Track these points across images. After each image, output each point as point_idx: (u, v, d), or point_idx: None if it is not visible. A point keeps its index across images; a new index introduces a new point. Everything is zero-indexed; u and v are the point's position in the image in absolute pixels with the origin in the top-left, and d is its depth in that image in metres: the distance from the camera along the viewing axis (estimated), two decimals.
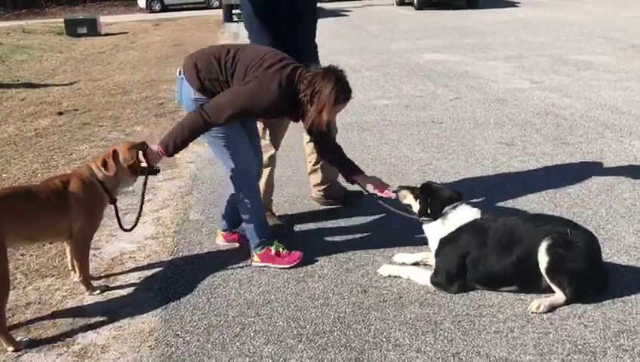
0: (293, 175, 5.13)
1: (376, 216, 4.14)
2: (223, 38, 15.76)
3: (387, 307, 3.12)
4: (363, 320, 3.01)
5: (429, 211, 3.40)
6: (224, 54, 3.39)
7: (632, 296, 3.08)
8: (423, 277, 3.30)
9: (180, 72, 3.51)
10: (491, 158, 5.35)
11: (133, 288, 3.47)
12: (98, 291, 3.40)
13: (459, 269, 3.19)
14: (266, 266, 3.58)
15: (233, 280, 3.46)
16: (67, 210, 3.14)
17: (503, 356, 2.68)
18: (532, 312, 2.98)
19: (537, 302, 3.00)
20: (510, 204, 4.29)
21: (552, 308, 2.99)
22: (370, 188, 3.64)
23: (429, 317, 3.01)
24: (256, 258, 3.62)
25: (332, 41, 13.10)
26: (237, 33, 16.48)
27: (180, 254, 3.83)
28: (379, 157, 5.46)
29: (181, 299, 3.29)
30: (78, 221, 3.19)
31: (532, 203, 4.31)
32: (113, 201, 3.37)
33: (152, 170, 3.38)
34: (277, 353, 2.79)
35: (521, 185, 4.69)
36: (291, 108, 3.36)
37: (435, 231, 3.35)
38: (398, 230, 3.95)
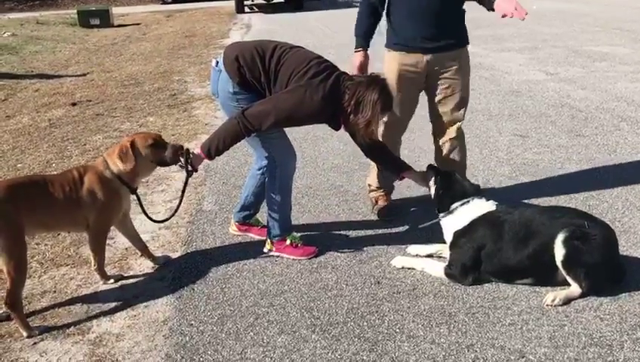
0: (305, 166, 5.11)
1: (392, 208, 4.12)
2: (235, 29, 15.73)
3: (401, 298, 3.11)
4: (377, 311, 3.00)
5: (441, 203, 3.39)
6: (269, 54, 3.35)
7: None
8: (437, 268, 3.29)
9: (217, 62, 3.47)
10: (505, 150, 5.31)
11: (147, 277, 3.48)
12: (112, 280, 3.42)
13: (473, 262, 3.17)
14: (279, 256, 3.58)
15: (247, 271, 3.46)
16: (80, 202, 3.15)
17: (517, 348, 2.67)
18: (547, 305, 2.96)
19: (553, 295, 2.98)
20: (525, 196, 4.26)
21: (567, 301, 2.97)
22: (421, 183, 3.64)
23: (443, 308, 3.00)
24: (270, 246, 3.63)
25: (344, 33, 13.02)
26: (249, 24, 16.45)
27: (194, 244, 3.84)
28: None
29: (195, 289, 3.29)
30: (92, 213, 3.20)
31: (547, 195, 4.27)
32: (134, 191, 3.37)
33: (191, 172, 3.40)
34: (290, 343, 2.79)
35: (535, 178, 4.66)
36: (333, 117, 3.37)
37: (450, 224, 3.35)
38: (412, 222, 3.94)
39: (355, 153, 5.30)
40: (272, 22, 17.16)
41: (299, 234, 3.68)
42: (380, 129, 3.79)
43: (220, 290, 3.27)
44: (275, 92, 3.33)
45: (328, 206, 4.31)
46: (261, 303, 3.13)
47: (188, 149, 3.41)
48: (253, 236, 3.87)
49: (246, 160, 5.28)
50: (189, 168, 3.37)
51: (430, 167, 3.64)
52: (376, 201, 4.18)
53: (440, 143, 3.99)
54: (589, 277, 2.95)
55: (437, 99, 3.89)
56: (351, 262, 3.50)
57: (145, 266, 3.60)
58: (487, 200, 3.36)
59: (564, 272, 2.99)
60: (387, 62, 3.96)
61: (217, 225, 4.09)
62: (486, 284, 3.18)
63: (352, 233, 3.87)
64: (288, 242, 3.61)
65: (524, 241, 3.09)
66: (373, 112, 3.21)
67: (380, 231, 3.85)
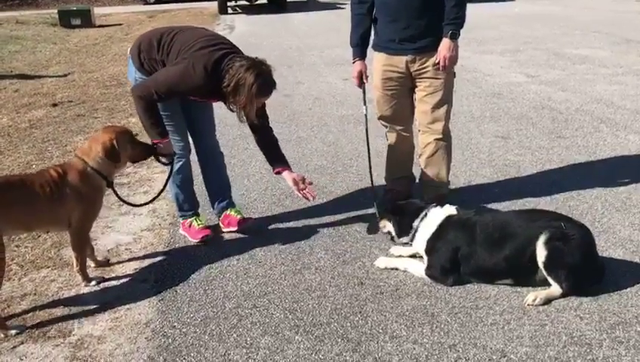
0: None
1: (373, 210, 4.13)
2: (219, 30, 15.65)
3: (384, 299, 3.12)
4: (360, 312, 3.01)
5: (402, 230, 3.46)
6: (165, 34, 3.49)
7: (628, 289, 3.09)
8: (419, 269, 3.31)
9: (129, 51, 3.63)
10: (487, 152, 5.36)
11: (129, 279, 3.46)
12: (94, 282, 3.40)
13: (451, 263, 3.20)
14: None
15: (230, 272, 3.45)
16: (64, 199, 3.13)
17: (499, 347, 2.69)
18: (528, 305, 2.99)
19: (533, 295, 3.01)
20: (506, 197, 4.29)
21: (548, 301, 3.01)
22: (290, 183, 3.69)
23: (426, 308, 3.02)
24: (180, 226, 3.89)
25: (328, 34, 13.06)
26: (232, 25, 16.40)
27: (176, 246, 3.82)
28: (376, 150, 5.43)
29: (178, 291, 3.28)
30: (76, 211, 3.18)
31: (528, 196, 4.31)
32: (110, 185, 3.37)
33: (172, 158, 3.61)
34: (274, 344, 2.79)
35: (517, 179, 4.71)
36: (218, 92, 3.42)
37: (419, 239, 3.38)
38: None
39: (339, 154, 5.34)
40: (255, 23, 17.13)
41: (201, 218, 3.90)
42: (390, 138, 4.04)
43: (202, 292, 3.26)
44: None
45: (312, 207, 4.31)
46: (244, 304, 3.12)
47: (152, 144, 3.53)
48: (232, 229, 3.92)
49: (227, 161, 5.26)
50: (164, 160, 3.55)
51: (380, 213, 3.67)
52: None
53: (425, 143, 4.02)
54: (570, 278, 2.99)
55: (420, 97, 3.94)
56: (334, 263, 3.51)
57: (127, 268, 3.58)
58: (442, 206, 3.39)
59: (545, 273, 3.03)
60: (373, 63, 4.00)
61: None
62: (468, 285, 3.21)
63: (336, 234, 3.87)
64: (187, 224, 3.84)
65: (501, 243, 3.12)
66: (248, 95, 3.32)
67: (363, 232, 3.86)
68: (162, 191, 3.81)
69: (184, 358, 2.73)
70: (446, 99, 3.92)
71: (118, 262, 3.65)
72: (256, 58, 3.43)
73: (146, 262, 3.63)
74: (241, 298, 3.18)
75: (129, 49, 3.67)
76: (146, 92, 3.39)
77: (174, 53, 3.43)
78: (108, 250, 3.81)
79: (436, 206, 3.41)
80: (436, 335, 2.80)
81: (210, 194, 4.03)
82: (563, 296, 3.03)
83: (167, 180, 3.77)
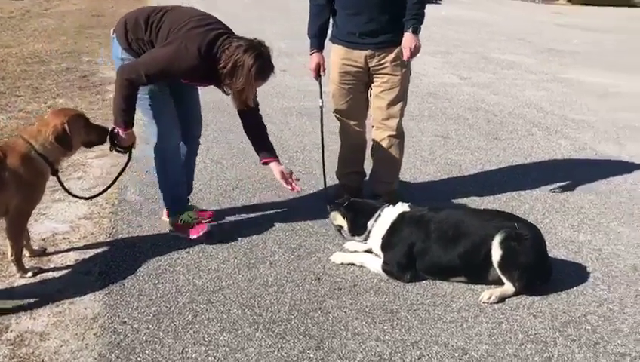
0: (233, 158, 4.99)
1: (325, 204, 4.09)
2: None
3: (342, 295, 3.08)
4: (320, 308, 2.96)
5: (357, 229, 3.44)
6: (153, 14, 3.30)
7: (574, 288, 3.21)
8: (375, 265, 3.29)
9: (113, 31, 3.41)
10: (429, 150, 5.44)
11: (70, 271, 3.24)
12: (30, 273, 3.16)
13: (407, 259, 3.21)
14: (213, 250, 3.47)
15: (180, 265, 3.30)
16: (3, 185, 2.87)
17: (460, 345, 2.72)
18: (483, 302, 3.04)
19: (488, 293, 3.07)
20: (451, 195, 4.37)
21: (502, 299, 3.07)
22: (277, 176, 3.58)
23: (385, 305, 3.01)
24: (172, 227, 3.64)
25: (262, 25, 12.86)
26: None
27: (120, 236, 3.62)
28: (319, 144, 5.40)
29: (125, 284, 3.10)
30: (16, 197, 2.94)
31: (472, 195, 4.41)
32: (55, 173, 3.13)
33: (130, 149, 3.41)
34: (234, 341, 2.69)
35: (459, 178, 4.81)
36: (212, 75, 3.28)
37: (373, 237, 3.37)
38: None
39: (284, 147, 5.25)
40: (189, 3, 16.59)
41: (193, 214, 3.63)
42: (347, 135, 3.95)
43: (152, 286, 3.10)
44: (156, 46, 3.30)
45: (261, 200, 4.22)
46: (198, 300, 2.99)
47: (110, 129, 3.31)
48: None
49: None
50: (120, 149, 3.34)
51: (332, 209, 3.60)
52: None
53: (379, 138, 4.01)
54: (523, 277, 3.07)
55: (376, 92, 3.92)
56: (289, 257, 3.43)
57: (67, 259, 3.35)
58: (394, 205, 3.40)
59: (499, 272, 3.09)
60: (331, 57, 3.95)
61: (144, 216, 3.88)
62: (424, 282, 3.23)
63: (288, 228, 3.79)
64: (180, 221, 3.59)
65: (455, 241, 3.16)
66: (247, 78, 3.19)
67: (317, 227, 3.80)
68: (114, 182, 3.58)
69: (138, 356, 2.58)
70: (402, 97, 3.93)
71: (56, 252, 3.42)
72: (255, 39, 3.26)
73: (88, 253, 3.42)
74: (194, 292, 3.05)
75: (112, 28, 3.42)
76: (134, 74, 3.15)
77: (164, 33, 3.22)
78: (43, 239, 3.56)
79: (389, 205, 3.41)
80: (397, 332, 2.80)
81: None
82: (515, 294, 3.10)
83: (121, 172, 3.54)
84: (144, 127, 3.62)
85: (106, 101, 6.58)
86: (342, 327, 2.81)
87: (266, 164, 3.59)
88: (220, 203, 4.14)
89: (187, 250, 3.47)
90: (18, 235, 3.08)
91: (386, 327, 2.83)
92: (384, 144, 4.01)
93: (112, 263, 3.31)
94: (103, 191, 3.60)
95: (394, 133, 3.98)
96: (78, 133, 3.12)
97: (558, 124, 6.40)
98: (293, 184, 3.54)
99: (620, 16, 18.39)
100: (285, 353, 2.62)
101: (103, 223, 3.79)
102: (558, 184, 4.67)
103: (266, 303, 2.98)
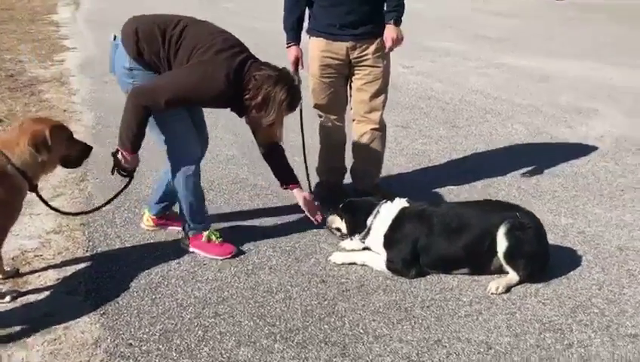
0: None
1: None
2: (62, 5, 14.25)
3: (352, 296, 2.99)
4: (333, 312, 2.85)
5: (356, 228, 3.35)
6: (171, 27, 3.03)
7: (571, 273, 3.27)
8: (379, 262, 3.22)
9: (115, 37, 3.12)
10: (394, 141, 5.40)
11: (52, 291, 2.97)
12: (8, 298, 2.87)
13: (412, 255, 3.16)
14: (205, 257, 3.28)
15: (174, 277, 3.10)
16: None
17: (482, 339, 2.70)
18: (492, 293, 3.04)
19: (495, 284, 3.07)
20: (429, 186, 4.37)
21: (508, 289, 3.08)
22: (301, 203, 3.49)
23: (397, 304, 2.94)
24: (187, 241, 3.34)
25: (204, 14, 12.43)
26: (77, 1, 15.01)
27: (99, 250, 3.36)
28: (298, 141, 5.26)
29: (120, 302, 2.87)
30: None
31: (449, 184, 4.42)
32: (34, 189, 2.85)
33: (129, 176, 3.19)
34: (254, 355, 2.54)
35: (432, 168, 4.82)
36: (234, 102, 3.11)
37: (374, 235, 3.29)
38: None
39: (248, 144, 5.03)
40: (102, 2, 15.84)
41: (218, 230, 3.39)
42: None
43: (150, 302, 2.89)
44: (175, 67, 3.05)
45: (240, 201, 4.05)
46: (204, 313, 2.81)
47: (113, 153, 3.08)
48: (173, 228, 3.54)
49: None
50: (124, 173, 3.11)
51: (331, 212, 3.51)
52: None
53: (361, 132, 3.93)
54: (528, 266, 3.09)
55: (358, 85, 3.84)
56: (287, 261, 3.30)
57: (46, 278, 3.08)
58: (392, 201, 3.35)
59: (504, 262, 3.09)
60: (310, 50, 3.83)
61: (119, 226, 3.63)
62: (428, 276, 3.19)
63: (276, 230, 3.65)
64: (205, 238, 3.31)
65: (459, 234, 3.14)
66: (278, 113, 3.05)
67: (305, 228, 3.67)
68: (109, 202, 3.33)
69: None
70: (384, 89, 3.87)
71: (31, 272, 3.13)
72: (283, 68, 3.12)
73: (68, 271, 3.15)
74: (197, 306, 2.87)
75: (115, 34, 3.13)
76: (152, 101, 2.91)
77: (185, 53, 2.97)
78: (12, 258, 3.24)
79: (386, 201, 3.34)
80: (418, 331, 2.74)
81: (173, 191, 3.49)
82: (520, 283, 3.12)
83: (118, 194, 3.31)
84: (158, 144, 3.30)
85: (45, 102, 6.14)
86: (361, 331, 2.73)
87: (287, 189, 3.49)
88: None
89: (177, 260, 3.27)
90: None
91: (405, 327, 2.76)
92: (366, 138, 3.94)
93: (98, 280, 3.06)
94: (97, 209, 3.37)
95: (376, 126, 3.92)
96: (60, 144, 2.85)
97: (509, 109, 6.55)
98: (317, 216, 3.47)
99: (540, 5, 19.16)
100: None
101: (76, 236, 3.50)
102: (526, 169, 4.76)
103: (276, 311, 2.85)
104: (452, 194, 4.26)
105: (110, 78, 6.98)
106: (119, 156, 3.05)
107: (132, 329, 2.67)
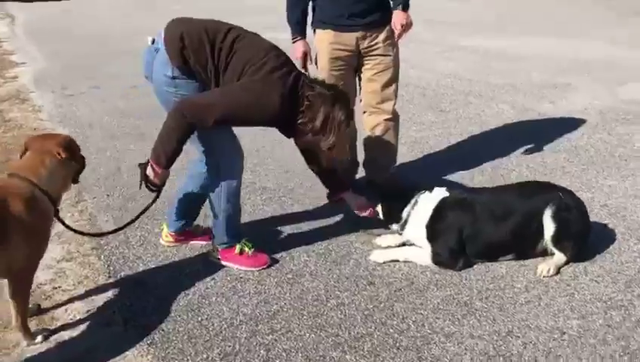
0: None
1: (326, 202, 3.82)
2: None
3: (406, 295, 2.87)
4: (393, 315, 2.73)
5: (392, 218, 3.27)
6: (220, 37, 2.80)
7: (611, 247, 3.26)
8: (422, 257, 3.11)
9: (154, 40, 2.85)
10: None
11: (86, 325, 2.72)
12: (40, 338, 2.61)
13: (459, 246, 3.07)
14: (239, 270, 3.09)
15: (215, 295, 2.90)
16: (5, 239, 2.31)
17: (552, 325, 2.63)
18: (544, 276, 2.98)
19: (546, 266, 3.01)
20: (438, 173, 4.28)
21: (557, 270, 3.03)
22: (353, 207, 3.36)
23: (455, 298, 2.84)
24: (217, 254, 3.15)
25: (148, 18, 12.02)
26: (12, 15, 14.23)
27: (122, 274, 3.11)
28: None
29: (165, 329, 2.65)
30: (22, 250, 2.38)
31: (458, 169, 4.35)
32: (57, 212, 2.59)
33: (158, 191, 2.93)
34: None
35: (434, 154, 4.76)
36: (285, 123, 2.93)
37: (413, 226, 3.19)
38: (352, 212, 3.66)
39: (245, 146, 4.83)
40: (44, 6, 15.11)
41: (252, 241, 3.19)
42: None
43: (198, 324, 2.68)
44: (224, 83, 2.83)
45: (255, 206, 3.85)
46: (260, 331, 2.63)
47: (141, 164, 2.83)
48: (196, 243, 3.34)
49: (118, 166, 4.51)
50: (153, 187, 2.84)
51: (372, 190, 3.42)
52: None
53: (373, 124, 3.81)
54: (575, 246, 3.05)
55: (368, 75, 3.71)
56: (325, 265, 3.15)
57: (74, 311, 2.82)
58: (431, 191, 3.25)
59: (551, 244, 3.04)
60: (317, 43, 3.67)
61: (136, 246, 3.38)
62: (475, 266, 3.10)
63: (301, 234, 3.49)
64: (237, 251, 3.11)
65: (505, 220, 3.07)
66: (339, 135, 2.88)
67: (329, 227, 3.53)
68: (137, 218, 3.04)
69: None
70: (395, 77, 3.75)
71: (55, 306, 2.86)
72: (335, 86, 2.98)
73: (96, 300, 2.90)
74: (250, 323, 2.68)
75: (155, 37, 2.86)
76: (199, 118, 2.69)
77: (236, 67, 2.75)
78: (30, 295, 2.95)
79: (424, 191, 3.23)
80: (486, 324, 2.65)
81: (195, 208, 3.35)
82: (566, 263, 3.07)
83: (145, 210, 3.01)
84: (202, 156, 3.08)
85: (10, 123, 5.73)
86: (428, 331, 2.61)
87: (339, 200, 3.36)
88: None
89: (211, 276, 3.06)
90: (26, 294, 2.54)
91: (471, 322, 2.66)
92: (380, 129, 3.81)
93: (132, 307, 2.83)
94: (124, 227, 3.07)
95: (390, 116, 3.80)
96: (78, 153, 2.64)
97: (488, 90, 6.56)
98: (370, 210, 3.35)
99: None
100: None
101: (91, 262, 3.24)
102: (526, 147, 4.76)
103: (334, 320, 2.69)
104: (465, 179, 4.19)
105: (77, 91, 6.67)
106: (148, 169, 2.81)
107: (188, 357, 2.47)
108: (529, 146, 4.76)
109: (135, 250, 3.33)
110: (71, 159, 2.64)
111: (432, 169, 4.41)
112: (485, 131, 5.25)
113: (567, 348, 2.47)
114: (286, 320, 2.69)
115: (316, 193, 3.97)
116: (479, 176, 4.24)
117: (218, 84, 2.82)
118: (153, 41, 2.86)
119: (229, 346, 2.53)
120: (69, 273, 3.15)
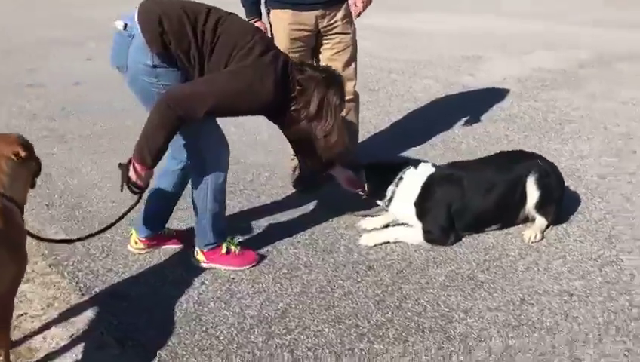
0: None
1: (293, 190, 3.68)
2: None
3: (409, 276, 2.82)
4: (404, 297, 2.66)
5: (376, 194, 3.20)
6: (201, 19, 2.53)
7: (580, 208, 3.41)
8: (413, 236, 3.08)
9: (126, 25, 2.51)
10: None
11: (74, 353, 2.40)
12: None
13: (449, 221, 3.06)
14: (227, 270, 2.89)
15: (211, 301, 2.68)
16: None
17: (558, 288, 2.69)
18: (532, 242, 3.05)
19: (532, 232, 3.09)
20: (398, 151, 4.26)
21: (542, 235, 3.10)
22: (342, 182, 3.20)
23: (458, 273, 2.83)
24: (201, 257, 2.91)
25: (27, 14, 10.98)
26: None
27: (96, 289, 2.80)
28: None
29: (170, 346, 2.40)
30: (7, 269, 2.05)
31: (409, 145, 4.36)
32: None
33: (140, 192, 2.65)
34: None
35: (379, 133, 4.76)
36: (276, 111, 2.72)
37: (401, 202, 3.14)
38: (332, 197, 3.55)
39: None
40: None
41: (237, 239, 3.00)
42: None
43: (205, 334, 2.46)
44: (209, 70, 2.58)
45: (244, 203, 3.61)
46: (274, 332, 2.46)
47: (121, 164, 2.54)
48: (168, 247, 3.08)
49: (48, 172, 4.06)
50: (136, 190, 2.57)
51: (358, 168, 3.26)
52: (294, 171, 3.73)
53: None
54: (556, 210, 3.14)
55: (328, 55, 3.59)
56: (316, 254, 3.02)
57: (53, 338, 2.47)
58: (416, 166, 3.22)
59: (534, 210, 3.11)
60: (274, 23, 3.49)
61: (102, 257, 3.06)
62: (464, 240, 3.11)
63: (280, 226, 3.32)
64: (224, 250, 2.90)
65: (490, 191, 3.09)
66: (335, 120, 2.71)
67: (301, 213, 3.42)
68: (116, 222, 2.74)
69: None
70: (354, 56, 3.66)
71: (29, 336, 2.50)
72: (326, 68, 2.77)
73: (75, 323, 2.57)
74: (262, 326, 2.50)
75: (128, 21, 2.52)
76: (188, 110, 2.42)
77: (222, 54, 2.49)
78: None
79: (409, 167, 3.18)
80: (497, 295, 2.66)
81: (168, 208, 3.08)
82: (547, 227, 3.16)
83: (126, 213, 2.72)
84: (175, 153, 2.83)
85: None
86: (446, 309, 2.57)
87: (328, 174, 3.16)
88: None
89: (200, 280, 2.83)
90: (9, 323, 2.19)
91: (483, 294, 2.66)
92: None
93: (121, 325, 2.54)
94: (99, 232, 2.77)
95: (351, 97, 3.69)
96: (34, 156, 2.32)
97: (407, 66, 6.66)
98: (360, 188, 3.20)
99: None
100: (425, 354, 2.30)
101: (55, 281, 2.88)
102: (464, 119, 4.87)
103: (347, 310, 2.58)
104: (420, 155, 4.19)
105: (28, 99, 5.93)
106: (130, 169, 2.52)
107: None
108: (466, 118, 4.87)
109: (102, 262, 3.01)
110: (30, 158, 2.30)
111: (384, 148, 4.38)
112: (421, 106, 5.32)
113: (580, 309, 2.54)
114: (298, 317, 2.54)
115: (278, 182, 3.82)
116: (432, 151, 4.28)
117: (202, 71, 2.57)
118: (125, 27, 2.54)
119: (248, 353, 2.34)
120: (32, 296, 2.77)
